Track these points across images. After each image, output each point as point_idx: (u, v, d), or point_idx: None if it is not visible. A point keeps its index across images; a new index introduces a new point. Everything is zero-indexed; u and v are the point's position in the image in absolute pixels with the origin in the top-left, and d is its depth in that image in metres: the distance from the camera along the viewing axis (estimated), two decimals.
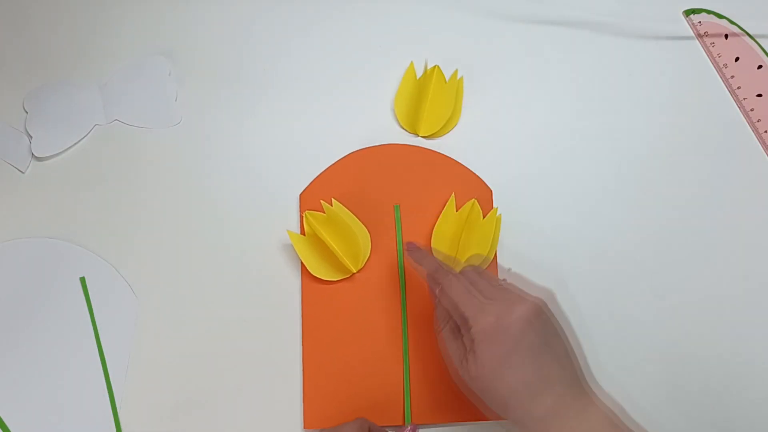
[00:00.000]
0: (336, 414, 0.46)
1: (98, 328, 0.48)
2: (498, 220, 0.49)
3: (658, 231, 0.50)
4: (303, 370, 0.47)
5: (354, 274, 0.48)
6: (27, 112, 0.53)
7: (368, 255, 0.48)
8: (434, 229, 0.49)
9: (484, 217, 0.49)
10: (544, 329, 0.38)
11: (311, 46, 0.55)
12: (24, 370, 0.47)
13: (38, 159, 0.52)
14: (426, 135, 0.52)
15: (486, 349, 0.37)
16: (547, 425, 0.36)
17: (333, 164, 0.51)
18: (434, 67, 0.52)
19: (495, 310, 0.38)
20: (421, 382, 0.46)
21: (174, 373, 0.47)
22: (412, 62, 0.54)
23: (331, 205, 0.48)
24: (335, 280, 0.48)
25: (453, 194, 0.49)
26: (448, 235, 0.49)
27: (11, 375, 0.47)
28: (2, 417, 0.46)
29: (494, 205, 0.50)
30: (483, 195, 0.50)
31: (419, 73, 0.54)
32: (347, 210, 0.49)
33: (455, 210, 0.49)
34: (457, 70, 0.53)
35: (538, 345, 0.37)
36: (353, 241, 0.47)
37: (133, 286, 0.49)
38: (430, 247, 0.49)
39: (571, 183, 0.51)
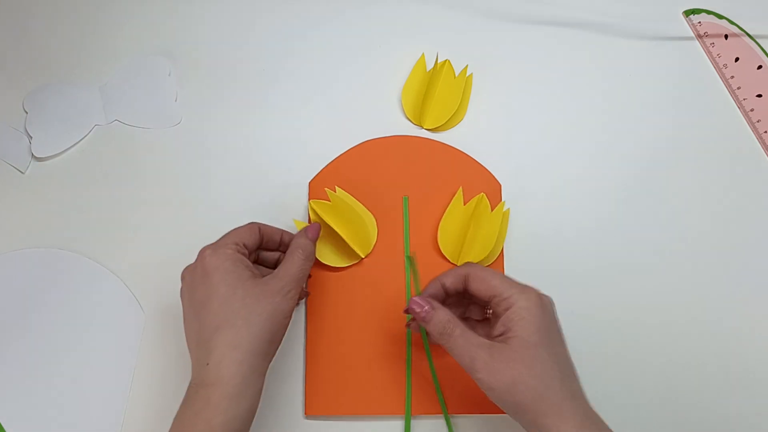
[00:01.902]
0: (338, 401, 0.46)
1: (102, 335, 0.48)
2: (506, 214, 0.49)
3: (657, 230, 0.50)
4: (306, 358, 0.47)
5: (362, 259, 0.48)
6: (27, 113, 0.53)
7: (375, 240, 0.49)
8: (440, 223, 0.49)
9: (491, 212, 0.49)
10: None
11: (313, 43, 0.55)
12: (28, 380, 0.47)
13: (38, 159, 0.52)
14: (430, 128, 0.52)
15: (525, 328, 0.37)
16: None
17: (343, 153, 0.51)
18: (444, 61, 0.52)
19: (534, 291, 0.39)
20: (423, 373, 0.47)
21: (177, 375, 0.47)
22: (423, 54, 0.54)
23: (335, 192, 0.48)
24: (344, 266, 0.48)
25: (460, 188, 0.50)
26: (454, 229, 0.49)
27: (16, 386, 0.47)
28: (4, 425, 0.46)
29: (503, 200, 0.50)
30: (492, 189, 0.50)
31: (429, 65, 0.54)
32: (352, 197, 0.49)
33: (462, 204, 0.49)
34: (467, 66, 0.53)
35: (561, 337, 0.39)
36: (361, 226, 0.48)
37: (130, 286, 0.49)
38: (437, 242, 0.49)
39: (571, 182, 0.51)
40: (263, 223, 0.44)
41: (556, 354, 0.38)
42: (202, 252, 0.40)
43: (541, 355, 0.37)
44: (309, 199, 0.50)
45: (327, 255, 0.48)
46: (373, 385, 0.46)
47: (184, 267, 0.42)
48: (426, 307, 0.40)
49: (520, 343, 0.37)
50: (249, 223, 0.43)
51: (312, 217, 0.48)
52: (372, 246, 0.49)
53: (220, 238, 0.41)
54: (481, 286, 0.40)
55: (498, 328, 0.39)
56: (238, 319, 0.38)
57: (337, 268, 0.48)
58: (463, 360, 0.38)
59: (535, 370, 0.36)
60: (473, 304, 0.44)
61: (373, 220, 0.49)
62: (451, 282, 0.42)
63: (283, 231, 0.45)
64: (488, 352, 0.37)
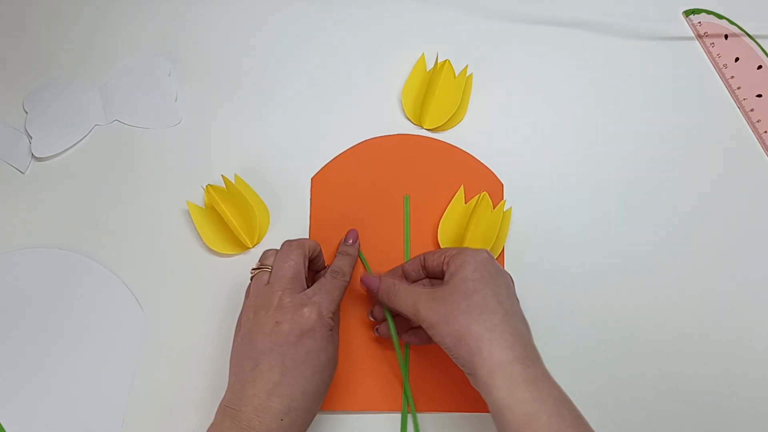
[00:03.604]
0: (334, 397, 0.46)
1: (102, 333, 0.48)
2: (507, 213, 0.49)
3: (657, 230, 0.50)
4: None
5: (249, 249, 0.49)
6: (27, 113, 0.53)
7: (266, 232, 0.50)
8: (441, 221, 0.49)
9: (492, 210, 0.49)
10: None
11: (313, 43, 0.55)
12: (28, 380, 0.47)
13: (38, 159, 0.52)
14: (430, 128, 0.52)
15: (466, 269, 0.40)
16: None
17: (346, 150, 0.51)
18: (444, 61, 0.52)
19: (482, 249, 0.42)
20: (419, 370, 0.47)
21: (177, 375, 0.47)
22: (423, 54, 0.54)
23: (233, 182, 0.49)
24: (231, 253, 0.49)
25: (462, 186, 0.50)
26: (455, 227, 0.49)
27: (16, 386, 0.47)
28: (4, 425, 0.46)
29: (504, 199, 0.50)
30: (494, 189, 0.50)
31: (430, 65, 0.54)
32: (249, 186, 0.50)
33: (463, 202, 0.49)
34: (467, 66, 0.53)
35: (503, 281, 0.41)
36: (251, 216, 0.48)
37: (130, 286, 0.49)
38: (437, 240, 0.49)
39: (571, 182, 0.51)
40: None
41: (498, 293, 0.39)
42: (306, 309, 0.39)
43: (480, 289, 0.39)
44: (311, 202, 0.50)
45: (215, 240, 0.49)
46: (369, 381, 0.46)
47: (273, 305, 0.40)
48: (374, 278, 0.44)
49: (460, 279, 0.40)
50: (334, 278, 0.43)
51: (206, 200, 0.49)
52: (260, 237, 0.49)
53: (316, 293, 0.41)
54: (434, 255, 0.43)
55: (445, 278, 0.41)
56: (319, 396, 0.40)
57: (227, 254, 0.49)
58: (408, 307, 0.41)
59: (471, 299, 0.38)
60: None
61: (267, 212, 0.50)
62: (409, 265, 0.45)
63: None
64: (430, 294, 0.40)
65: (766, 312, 0.49)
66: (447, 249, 0.43)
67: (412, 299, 0.41)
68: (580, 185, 0.51)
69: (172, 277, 0.49)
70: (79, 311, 0.48)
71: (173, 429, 0.46)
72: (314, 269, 0.46)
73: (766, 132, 0.53)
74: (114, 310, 0.48)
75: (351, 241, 0.47)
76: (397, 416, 0.46)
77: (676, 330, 0.48)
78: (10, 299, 0.49)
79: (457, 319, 0.38)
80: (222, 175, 0.49)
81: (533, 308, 0.48)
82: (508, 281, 0.42)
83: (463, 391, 0.45)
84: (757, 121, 0.53)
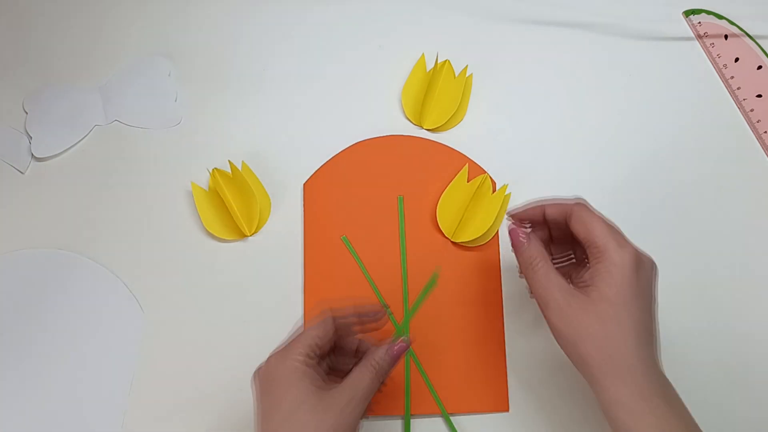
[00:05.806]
0: None
1: (102, 335, 0.48)
2: (507, 198, 0.50)
3: (656, 230, 0.50)
4: None
5: (247, 237, 0.49)
6: (27, 113, 0.53)
7: (265, 222, 0.50)
8: (442, 196, 0.49)
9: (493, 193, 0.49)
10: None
11: (313, 44, 0.55)
12: (27, 381, 0.47)
13: (38, 159, 0.52)
14: (430, 128, 0.52)
15: (610, 285, 0.36)
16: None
17: (337, 154, 0.51)
18: (445, 61, 0.53)
19: (633, 250, 0.37)
20: (421, 372, 0.47)
21: (177, 375, 0.47)
22: (423, 54, 0.54)
23: (240, 168, 0.50)
24: (228, 239, 0.49)
25: (467, 165, 0.50)
26: (455, 203, 0.49)
27: (16, 386, 0.47)
28: (3, 426, 0.46)
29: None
30: None
31: (430, 65, 0.54)
32: (255, 175, 0.51)
33: (466, 181, 0.50)
34: (467, 66, 0.53)
35: (652, 300, 0.36)
36: (252, 204, 0.49)
37: (130, 286, 0.49)
38: (433, 231, 0.49)
39: (571, 182, 0.51)
40: (336, 308, 0.40)
41: (637, 319, 0.36)
42: (270, 358, 0.38)
43: (619, 315, 0.35)
44: (304, 202, 0.50)
45: (213, 224, 0.49)
46: None
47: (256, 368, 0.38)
48: (522, 237, 0.40)
49: (601, 297, 0.36)
50: (322, 317, 0.39)
51: (210, 183, 0.50)
52: (259, 226, 0.50)
53: (293, 340, 0.38)
54: (580, 228, 0.38)
55: (585, 277, 0.37)
56: None
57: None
58: (538, 298, 0.38)
59: (607, 328, 0.35)
60: (580, 246, 0.40)
61: (269, 202, 0.50)
62: (552, 212, 0.41)
63: (360, 341, 0.41)
64: (565, 297, 0.37)
65: (766, 312, 0.49)
66: (594, 226, 0.38)
67: (546, 292, 0.37)
68: (580, 185, 0.51)
69: (171, 278, 0.49)
70: (79, 311, 0.48)
71: (173, 429, 0.46)
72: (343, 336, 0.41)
73: (766, 132, 0.53)
74: (114, 310, 0.48)
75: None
76: (397, 418, 0.46)
77: (675, 329, 0.48)
78: (10, 299, 0.49)
79: (587, 347, 0.36)
80: (228, 161, 0.49)
81: (532, 308, 0.48)
82: (652, 295, 0.37)
83: (464, 392, 0.46)
84: (757, 121, 0.53)
